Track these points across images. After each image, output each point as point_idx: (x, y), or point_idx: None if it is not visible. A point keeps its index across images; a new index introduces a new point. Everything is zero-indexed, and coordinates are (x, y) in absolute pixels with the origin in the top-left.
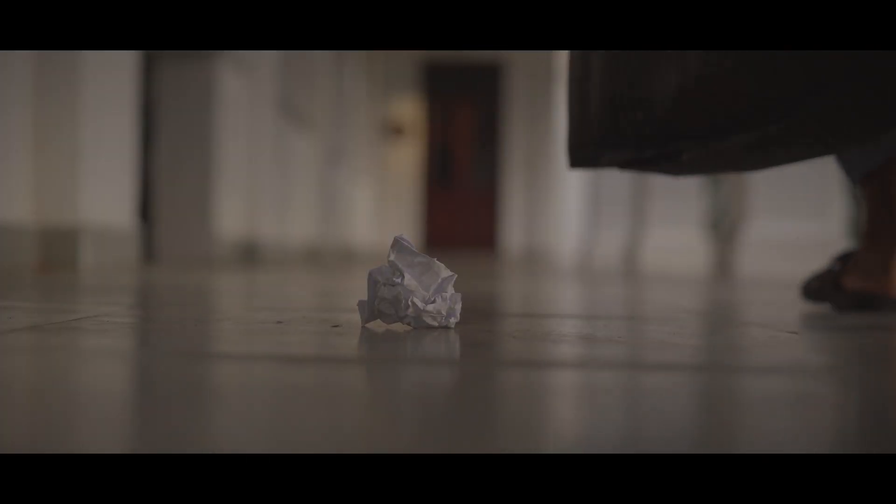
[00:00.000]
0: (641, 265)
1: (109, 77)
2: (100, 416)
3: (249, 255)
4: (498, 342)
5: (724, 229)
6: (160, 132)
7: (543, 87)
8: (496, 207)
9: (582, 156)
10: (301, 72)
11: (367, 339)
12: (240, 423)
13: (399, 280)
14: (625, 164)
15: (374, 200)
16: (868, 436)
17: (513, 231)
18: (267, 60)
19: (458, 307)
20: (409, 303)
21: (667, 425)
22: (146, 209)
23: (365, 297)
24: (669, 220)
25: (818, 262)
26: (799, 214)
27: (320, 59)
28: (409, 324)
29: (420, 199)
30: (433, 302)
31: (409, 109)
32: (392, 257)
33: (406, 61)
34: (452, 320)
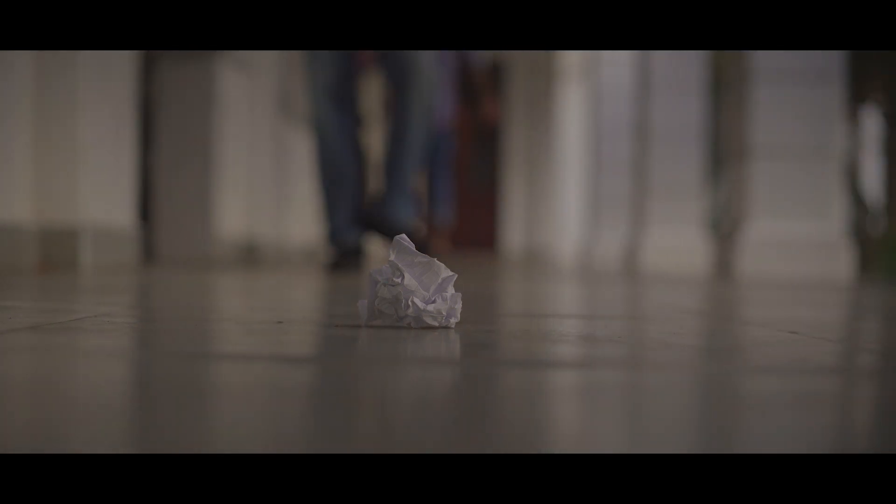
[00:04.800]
0: (641, 265)
1: (109, 77)
2: (99, 416)
3: (249, 255)
4: (498, 342)
5: (724, 229)
6: (160, 132)
7: (543, 87)
8: (496, 207)
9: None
10: (301, 72)
11: (367, 339)
12: (239, 423)
13: (399, 280)
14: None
15: None
16: (868, 435)
17: (513, 231)
18: (267, 60)
19: (459, 307)
20: (409, 303)
21: (667, 425)
22: (146, 209)
23: (365, 298)
24: (669, 220)
25: (818, 261)
26: (799, 214)
27: None
28: (409, 324)
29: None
30: (433, 302)
31: None
32: (392, 257)
33: None
34: (452, 320)
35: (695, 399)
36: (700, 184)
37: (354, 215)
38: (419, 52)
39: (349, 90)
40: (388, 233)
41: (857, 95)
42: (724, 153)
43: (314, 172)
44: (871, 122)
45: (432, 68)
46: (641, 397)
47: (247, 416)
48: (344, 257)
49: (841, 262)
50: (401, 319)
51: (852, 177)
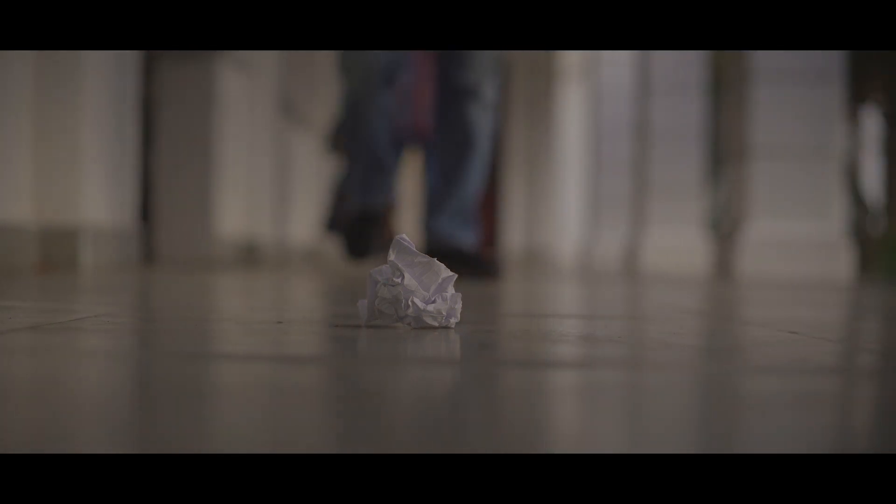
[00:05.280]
0: (641, 265)
1: (109, 77)
2: (99, 416)
3: (249, 255)
4: (498, 342)
5: (724, 229)
6: (160, 132)
7: (543, 87)
8: (496, 208)
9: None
10: (301, 72)
11: (367, 339)
12: (240, 423)
13: (399, 280)
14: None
15: None
16: (868, 435)
17: (513, 231)
18: (267, 60)
19: (459, 307)
20: (409, 303)
21: (667, 425)
22: (146, 209)
23: (365, 298)
24: (669, 220)
25: (818, 261)
26: (799, 214)
27: (320, 59)
28: (409, 324)
29: (420, 198)
30: (433, 302)
31: None
32: (392, 257)
33: None
34: (452, 320)
35: (695, 399)
36: (700, 184)
37: (379, 198)
38: (489, 53)
39: (396, 78)
40: (454, 259)
41: (857, 95)
42: (724, 153)
43: (348, 150)
44: (871, 122)
45: (499, 75)
46: (641, 397)
47: (247, 417)
48: (359, 224)
49: (841, 262)
50: (401, 319)
51: (852, 177)
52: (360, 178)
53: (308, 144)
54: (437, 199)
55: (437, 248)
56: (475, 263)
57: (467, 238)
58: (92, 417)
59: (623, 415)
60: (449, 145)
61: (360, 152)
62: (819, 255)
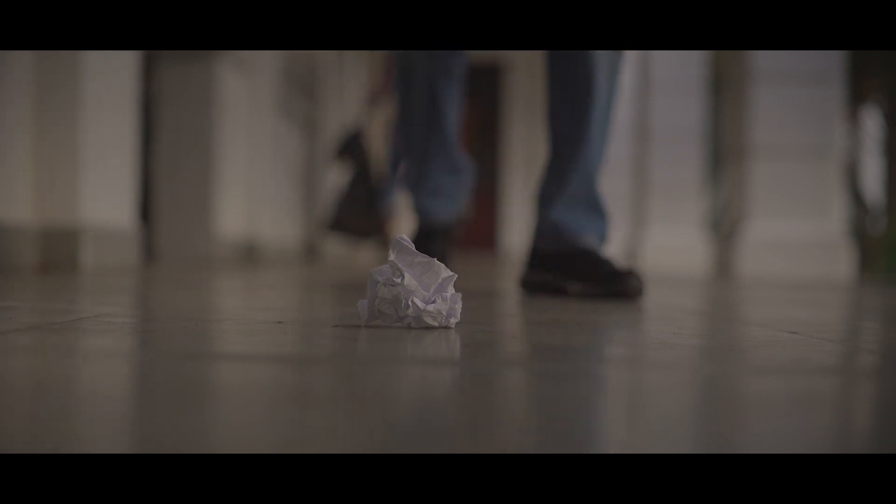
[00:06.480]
0: (642, 264)
1: (109, 77)
2: (100, 416)
3: (249, 255)
4: (498, 342)
5: (724, 229)
6: (160, 132)
7: (543, 87)
8: (496, 208)
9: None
10: (301, 72)
11: (367, 339)
12: (240, 423)
13: (399, 280)
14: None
15: None
16: (868, 435)
17: (513, 231)
18: (267, 60)
19: (459, 307)
20: (409, 303)
21: (667, 425)
22: (146, 209)
23: (365, 298)
24: (669, 219)
25: (818, 261)
26: (799, 214)
27: (320, 59)
28: (409, 324)
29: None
30: (433, 302)
31: None
32: (392, 257)
33: None
34: (452, 320)
35: (695, 399)
36: (700, 184)
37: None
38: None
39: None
40: (580, 267)
41: (857, 95)
42: (724, 153)
43: (403, 129)
44: (871, 122)
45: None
46: (641, 397)
47: (246, 417)
48: (431, 238)
49: (841, 262)
50: (401, 319)
51: (852, 177)
52: (429, 177)
53: (308, 144)
54: (548, 180)
55: (555, 250)
56: (611, 274)
57: (598, 232)
58: (92, 417)
59: (623, 415)
60: (559, 94)
61: (417, 131)
62: (819, 255)
